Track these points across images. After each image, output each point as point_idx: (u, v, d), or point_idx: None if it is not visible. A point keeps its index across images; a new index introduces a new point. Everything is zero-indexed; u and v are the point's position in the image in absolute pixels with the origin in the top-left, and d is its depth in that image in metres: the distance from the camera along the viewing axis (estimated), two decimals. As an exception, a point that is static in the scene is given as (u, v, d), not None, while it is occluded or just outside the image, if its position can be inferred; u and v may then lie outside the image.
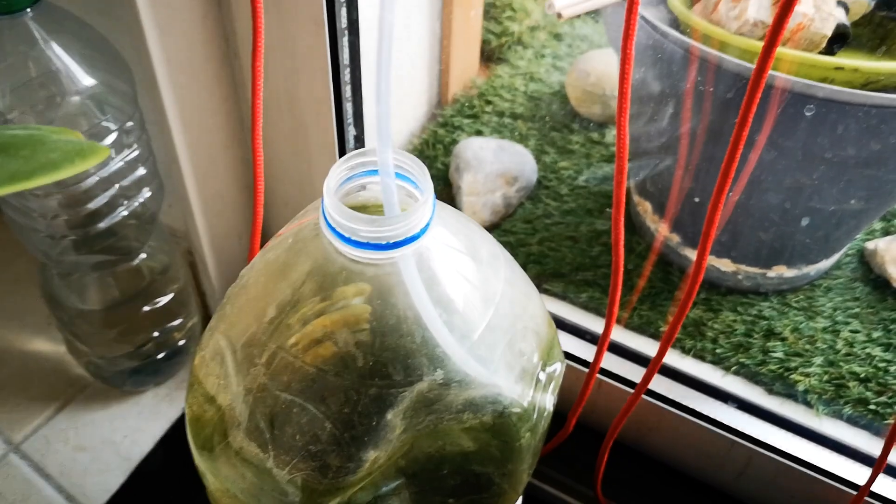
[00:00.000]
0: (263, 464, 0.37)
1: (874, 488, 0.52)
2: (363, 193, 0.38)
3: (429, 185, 0.35)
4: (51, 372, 0.73)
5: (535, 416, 0.40)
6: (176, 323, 0.68)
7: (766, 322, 0.72)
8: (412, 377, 0.35)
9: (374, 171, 0.35)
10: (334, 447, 0.36)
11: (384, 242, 0.33)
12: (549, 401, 0.42)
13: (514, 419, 0.39)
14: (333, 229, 0.34)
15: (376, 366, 0.35)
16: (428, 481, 0.40)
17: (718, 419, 0.57)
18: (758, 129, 0.57)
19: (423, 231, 0.34)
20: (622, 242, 0.44)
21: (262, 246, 0.42)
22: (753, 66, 0.35)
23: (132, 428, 0.69)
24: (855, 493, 0.51)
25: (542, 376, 0.41)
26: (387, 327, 0.35)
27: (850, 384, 0.66)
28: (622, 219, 0.43)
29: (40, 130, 0.23)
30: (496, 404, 0.38)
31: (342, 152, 0.59)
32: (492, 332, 0.38)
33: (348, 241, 0.33)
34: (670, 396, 0.59)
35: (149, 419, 0.70)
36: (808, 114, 0.55)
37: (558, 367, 0.43)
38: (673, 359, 0.65)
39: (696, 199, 0.70)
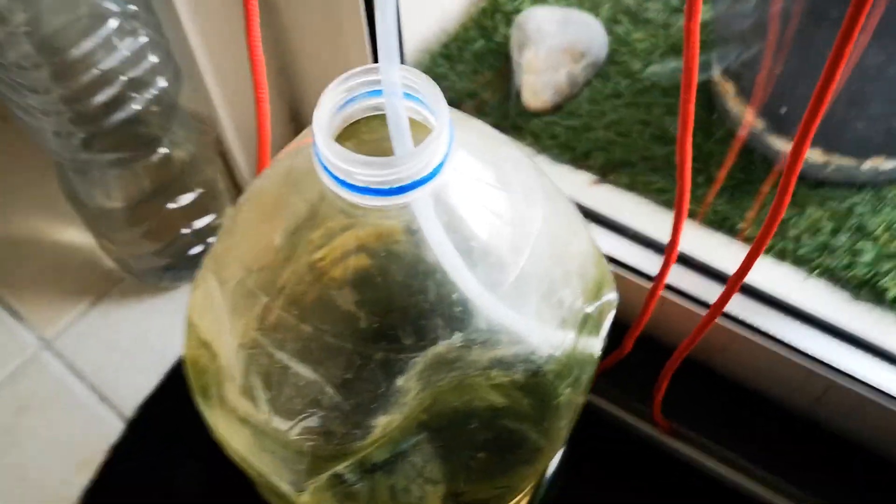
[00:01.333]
0: (261, 425, 0.33)
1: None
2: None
3: (444, 110, 0.28)
4: (84, 265, 0.70)
5: (577, 369, 0.35)
6: (207, 219, 0.64)
7: (856, 219, 0.65)
8: (425, 341, 0.30)
9: (378, 92, 0.29)
10: (337, 413, 0.31)
11: (390, 187, 0.27)
12: (595, 346, 0.37)
13: (551, 377, 0.33)
14: (328, 170, 0.27)
15: (382, 328, 0.30)
16: (454, 436, 0.35)
17: (796, 345, 0.51)
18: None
19: (438, 169, 0.28)
20: (690, 138, 0.37)
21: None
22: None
23: (168, 326, 0.66)
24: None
25: (588, 318, 0.36)
26: (395, 283, 0.30)
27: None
28: (692, 101, 0.36)
29: None
30: (529, 363, 0.32)
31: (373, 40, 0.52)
32: (525, 280, 0.31)
33: (346, 185, 0.27)
34: (743, 317, 0.52)
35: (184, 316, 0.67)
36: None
37: (607, 305, 0.37)
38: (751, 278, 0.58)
39: (788, 81, 0.62)
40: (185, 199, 0.61)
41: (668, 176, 0.68)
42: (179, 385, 0.62)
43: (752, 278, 0.51)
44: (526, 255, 0.32)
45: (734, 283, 0.42)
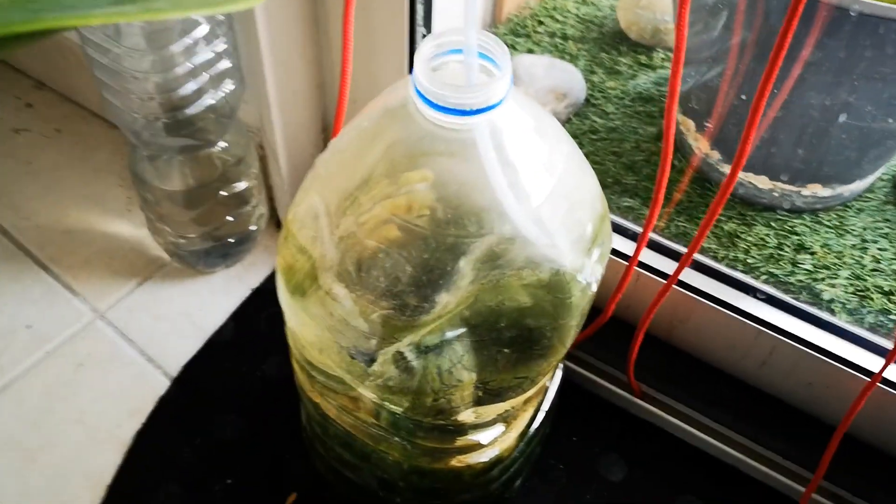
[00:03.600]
0: (350, 302, 0.43)
1: (886, 374, 0.57)
2: (442, 75, 0.43)
3: (507, 64, 0.40)
4: (131, 251, 0.80)
5: (585, 279, 0.46)
6: (247, 209, 0.74)
7: (797, 237, 0.77)
8: (484, 229, 0.41)
9: (459, 50, 0.40)
10: (413, 288, 0.42)
11: (466, 109, 0.39)
12: (597, 270, 0.48)
13: (568, 278, 0.44)
14: (422, 96, 0.39)
15: (453, 218, 0.41)
16: (487, 331, 0.45)
17: (746, 310, 0.63)
18: (801, 43, 0.61)
19: (499, 103, 0.39)
20: (673, 128, 0.49)
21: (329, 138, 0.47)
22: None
23: (206, 303, 0.76)
24: (868, 379, 0.56)
25: (594, 248, 0.47)
26: (464, 186, 0.41)
27: (874, 296, 0.70)
28: (674, 108, 0.48)
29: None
30: (553, 262, 0.43)
31: (411, 52, 0.64)
32: (554, 198, 0.43)
33: (435, 106, 0.39)
34: (702, 288, 0.64)
35: (221, 296, 0.77)
36: (850, 29, 0.59)
37: (606, 244, 0.49)
38: (707, 261, 0.70)
39: (739, 116, 0.74)
40: (235, 188, 0.71)
41: (636, 196, 0.80)
42: (217, 351, 0.72)
43: (708, 266, 0.64)
44: (555, 180, 0.43)
45: (689, 254, 0.54)
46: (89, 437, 0.67)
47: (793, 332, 0.61)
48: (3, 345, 0.72)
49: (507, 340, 0.46)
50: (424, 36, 0.64)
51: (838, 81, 0.64)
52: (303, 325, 0.47)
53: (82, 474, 0.65)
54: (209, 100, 0.64)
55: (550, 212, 0.43)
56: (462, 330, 0.45)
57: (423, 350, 0.45)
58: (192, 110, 0.63)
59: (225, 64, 0.64)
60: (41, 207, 0.84)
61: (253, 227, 0.77)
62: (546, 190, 0.43)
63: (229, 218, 0.74)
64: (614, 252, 0.66)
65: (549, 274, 0.43)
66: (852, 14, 0.59)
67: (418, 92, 0.39)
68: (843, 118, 0.68)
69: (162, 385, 0.70)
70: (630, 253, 0.60)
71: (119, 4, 0.22)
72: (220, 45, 0.62)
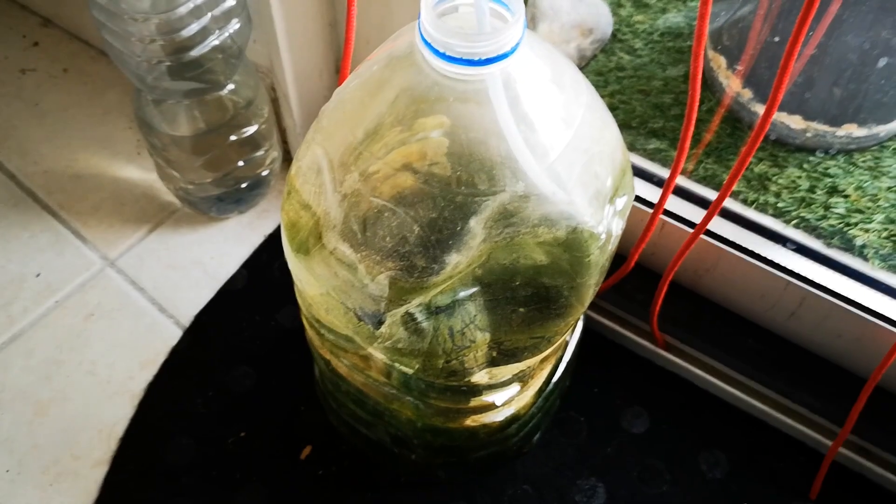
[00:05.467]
0: (355, 263, 0.41)
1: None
2: (451, 19, 0.40)
3: (521, 8, 0.37)
4: (141, 197, 0.78)
5: (604, 236, 0.43)
6: (259, 153, 0.72)
7: (830, 179, 0.73)
8: (496, 187, 0.38)
9: (468, -8, 0.37)
10: (421, 249, 0.39)
11: (475, 59, 0.36)
12: (617, 225, 0.45)
13: (586, 235, 0.42)
14: (429, 45, 0.36)
15: (463, 175, 0.38)
16: (501, 290, 0.43)
17: (776, 260, 0.60)
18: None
19: (512, 51, 0.36)
20: (699, 76, 0.46)
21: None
22: None
23: (218, 251, 0.74)
24: (901, 333, 0.54)
25: (614, 202, 0.44)
26: (474, 142, 0.38)
27: (909, 241, 0.68)
28: (701, 54, 0.45)
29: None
30: (570, 220, 0.41)
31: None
32: (570, 152, 0.40)
33: (442, 55, 0.36)
34: (730, 238, 0.61)
35: (233, 244, 0.75)
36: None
37: (628, 197, 0.46)
38: (735, 207, 0.67)
39: (773, 55, 0.71)
40: (246, 132, 0.69)
41: (664, 138, 0.77)
42: (229, 300, 0.70)
43: (736, 213, 0.61)
44: (572, 132, 0.40)
45: (718, 203, 0.51)
46: (101, 388, 0.66)
47: (823, 283, 0.59)
48: (11, 294, 0.71)
49: (521, 299, 0.44)
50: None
51: (877, 20, 0.61)
52: (308, 283, 0.45)
53: (94, 426, 0.64)
54: (214, 40, 0.61)
55: (567, 166, 0.40)
56: (475, 289, 0.43)
57: (433, 311, 0.43)
58: (196, 52, 0.60)
59: (230, 2, 0.61)
60: (49, 151, 0.82)
61: (265, 172, 0.75)
62: (563, 143, 0.40)
63: (241, 163, 0.71)
64: (640, 199, 0.63)
65: (565, 231, 0.41)
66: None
67: (424, 40, 0.36)
68: (883, 60, 0.64)
69: (174, 335, 0.69)
70: (655, 200, 0.57)
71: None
72: (224, -17, 0.59)
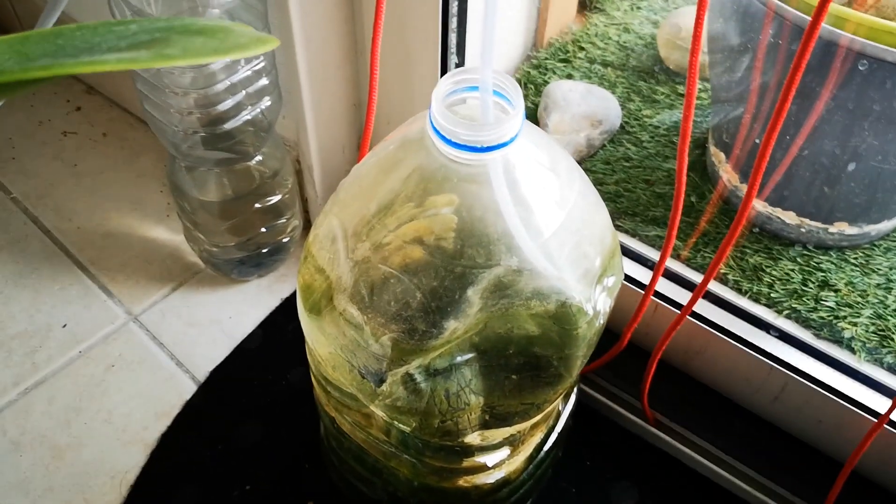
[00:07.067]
0: (362, 324, 0.45)
1: (894, 416, 0.58)
2: (461, 109, 0.45)
3: (520, 103, 0.41)
4: (168, 257, 0.83)
5: (592, 311, 0.47)
6: (281, 221, 0.77)
7: (822, 274, 0.77)
8: (492, 261, 0.42)
9: (475, 87, 0.42)
10: (422, 314, 0.43)
11: (479, 146, 0.40)
12: (605, 303, 0.49)
13: (574, 310, 0.45)
14: (438, 132, 0.41)
15: (463, 249, 0.42)
16: (495, 357, 0.47)
17: (759, 345, 0.63)
18: (821, 83, 0.61)
19: (512, 140, 0.41)
20: (685, 167, 0.50)
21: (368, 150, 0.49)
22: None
23: (236, 311, 0.79)
24: (875, 420, 0.56)
25: (603, 281, 0.48)
26: (474, 219, 0.42)
27: (895, 336, 0.70)
28: (686, 150, 0.49)
29: (225, 22, 0.30)
30: (560, 294, 0.44)
31: (443, 78, 0.66)
32: (562, 232, 0.44)
33: (449, 142, 0.40)
34: (717, 321, 0.65)
35: (251, 305, 0.79)
36: (869, 73, 0.60)
37: (616, 277, 0.50)
38: (728, 295, 0.70)
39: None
40: (270, 200, 0.73)
41: (664, 226, 0.81)
42: (244, 358, 0.74)
43: (727, 300, 0.64)
44: (564, 215, 0.44)
45: (704, 284, 0.55)
46: (116, 436, 0.70)
47: (804, 370, 0.62)
48: (38, 342, 0.75)
49: (514, 367, 0.47)
50: (457, 64, 0.66)
51: (847, 127, 0.65)
52: (318, 342, 0.49)
53: (107, 473, 0.68)
54: (247, 115, 0.66)
55: (559, 245, 0.44)
56: (471, 355, 0.46)
57: (431, 373, 0.46)
58: (230, 125, 0.66)
59: (263, 81, 0.66)
60: (83, 209, 0.87)
61: (286, 239, 0.79)
62: (556, 224, 0.44)
63: (263, 229, 0.76)
64: (634, 281, 0.67)
65: (556, 305, 0.45)
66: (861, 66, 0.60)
67: (434, 128, 0.41)
68: (851, 165, 0.68)
69: (189, 389, 0.73)
70: (648, 281, 0.61)
71: (133, 50, 0.24)
72: (259, 63, 0.64)
